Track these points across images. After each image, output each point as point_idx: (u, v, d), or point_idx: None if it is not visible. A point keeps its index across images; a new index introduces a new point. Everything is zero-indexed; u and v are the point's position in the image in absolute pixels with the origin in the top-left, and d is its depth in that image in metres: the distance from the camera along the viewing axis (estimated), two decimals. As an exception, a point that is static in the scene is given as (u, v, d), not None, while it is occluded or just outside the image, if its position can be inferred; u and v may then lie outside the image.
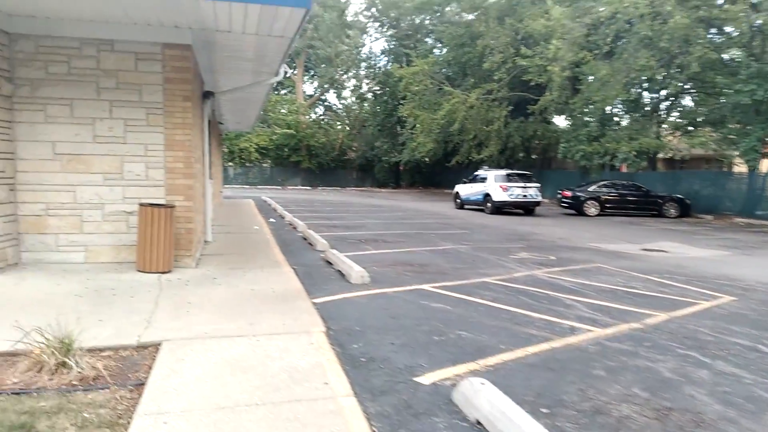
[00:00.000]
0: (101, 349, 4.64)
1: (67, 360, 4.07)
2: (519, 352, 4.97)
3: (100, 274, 7.27)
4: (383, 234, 14.13)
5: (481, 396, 3.61)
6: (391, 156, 46.78)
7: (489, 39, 31.34)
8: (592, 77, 25.18)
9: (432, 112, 34.22)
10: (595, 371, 4.60)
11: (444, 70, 38.86)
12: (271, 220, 16.58)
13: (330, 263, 8.96)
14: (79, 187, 7.60)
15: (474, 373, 4.38)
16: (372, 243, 12.15)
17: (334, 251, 9.29)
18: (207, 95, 10.79)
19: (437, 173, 50.01)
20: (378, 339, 5.17)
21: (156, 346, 4.75)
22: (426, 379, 4.25)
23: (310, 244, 11.41)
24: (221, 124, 21.91)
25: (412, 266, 9.26)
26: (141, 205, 7.38)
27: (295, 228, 14.35)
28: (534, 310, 6.58)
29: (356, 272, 7.61)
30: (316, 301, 6.46)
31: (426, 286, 7.60)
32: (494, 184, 23.40)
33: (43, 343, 4.13)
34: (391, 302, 6.62)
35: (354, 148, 53.42)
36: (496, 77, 31.51)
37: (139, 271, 7.45)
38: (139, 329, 5.10)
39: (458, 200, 26.37)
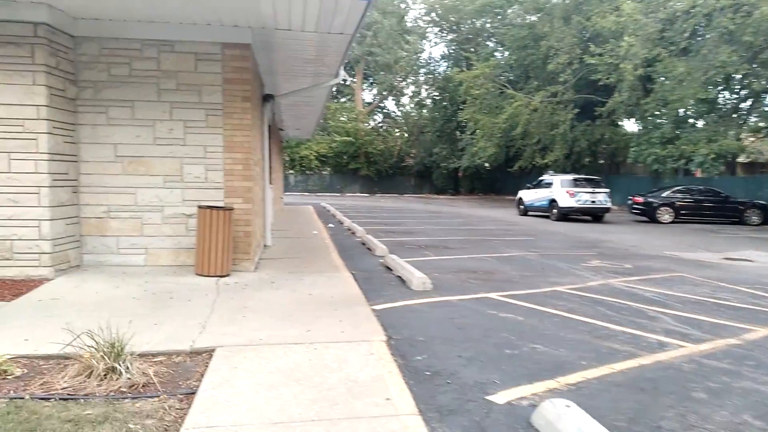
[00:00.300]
0: (154, 354, 4.44)
1: (116, 365, 3.86)
2: (603, 370, 4.43)
3: (158, 277, 7.18)
4: (444, 240, 13.67)
5: (566, 420, 3.13)
6: (450, 162, 46.09)
7: (553, 40, 30.31)
8: (667, 76, 23.79)
9: (493, 116, 33.43)
10: (695, 393, 4.01)
11: (506, 73, 37.95)
12: (330, 225, 16.42)
13: (389, 269, 8.60)
14: (139, 190, 7.57)
15: (554, 392, 3.88)
16: (433, 249, 11.72)
17: (394, 256, 8.93)
18: (267, 98, 10.69)
19: (498, 179, 48.95)
20: (443, 351, 4.74)
21: (209, 352, 4.51)
22: (500, 397, 3.79)
23: (369, 249, 11.10)
24: (282, 130, 22.06)
25: (477, 273, 8.77)
26: (200, 207, 7.26)
27: (353, 233, 14.10)
28: (614, 322, 5.98)
29: (417, 278, 7.21)
30: (376, 307, 6.09)
31: (493, 295, 7.10)
32: (560, 189, 22.51)
33: (93, 347, 3.94)
34: (456, 311, 6.17)
35: (412, 155, 53.08)
36: (561, 79, 30.43)
37: (198, 274, 7.32)
38: (193, 334, 4.89)
39: (522, 206, 25.53)
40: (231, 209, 7.43)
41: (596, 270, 9.59)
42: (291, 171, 48.78)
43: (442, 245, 12.48)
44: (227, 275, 7.41)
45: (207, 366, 4.20)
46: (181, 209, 7.69)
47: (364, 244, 11.84)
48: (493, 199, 42.03)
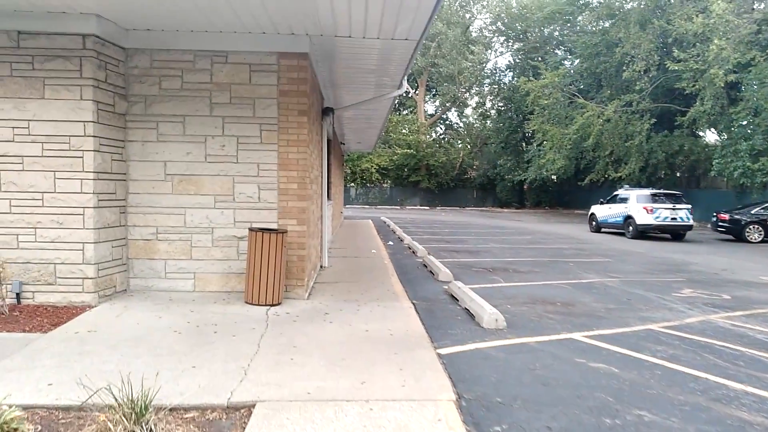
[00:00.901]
0: (185, 409, 3.83)
1: (136, 430, 3.25)
2: (738, 457, 3.46)
3: (205, 305, 6.66)
4: (513, 261, 12.67)
5: None
6: (515, 174, 44.63)
7: (629, 46, 28.66)
8: (762, 82, 21.76)
9: (563, 126, 31.98)
10: None
11: (576, 82, 36.32)
12: (390, 243, 15.72)
13: (455, 298, 7.77)
14: (189, 210, 7.11)
15: (681, 494, 2.97)
16: (501, 273, 10.78)
17: (460, 284, 8.09)
18: (326, 111, 10.14)
19: (566, 192, 47.07)
20: (528, 419, 3.88)
21: (249, 408, 3.86)
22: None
23: (431, 272, 10.29)
24: (343, 144, 21.65)
25: (554, 305, 7.81)
26: (250, 230, 6.70)
27: (414, 253, 13.33)
28: (732, 377, 4.93)
29: (489, 315, 6.35)
30: (442, 351, 5.29)
31: (577, 336, 6.15)
32: (637, 205, 21.01)
33: (112, 407, 3.35)
34: (537, 359, 5.28)
35: (475, 167, 51.94)
36: (637, 87, 28.70)
37: (247, 303, 6.75)
38: (233, 382, 4.25)
39: (594, 222, 24.06)
40: (284, 232, 6.83)
41: (691, 302, 8.41)
42: (352, 184, 48.71)
43: (511, 268, 11.51)
44: (278, 304, 6.81)
45: (244, 429, 3.54)
46: (232, 231, 7.17)
47: (425, 266, 11.05)
48: (561, 214, 40.24)
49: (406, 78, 9.89)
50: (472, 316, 6.76)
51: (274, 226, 7.17)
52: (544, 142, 34.27)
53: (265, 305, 6.70)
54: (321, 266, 10.21)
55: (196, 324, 5.84)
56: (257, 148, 7.12)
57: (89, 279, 6.43)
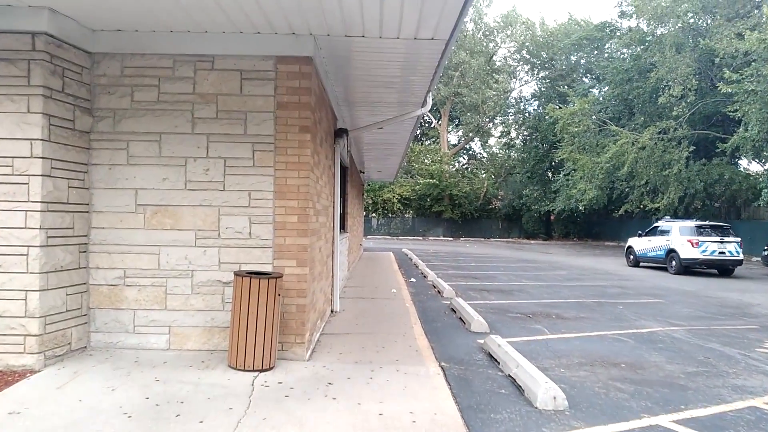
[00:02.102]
0: None
1: None
2: None
3: (178, 370, 5.24)
4: (553, 304, 11.07)
5: None
6: (542, 204, 42.94)
7: (664, 70, 27.14)
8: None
9: (595, 155, 30.35)
10: None
11: (606, 110, 34.76)
12: (412, 279, 14.22)
13: (494, 359, 6.24)
14: (164, 249, 5.78)
15: None
16: (544, 319, 9.20)
17: (498, 340, 6.56)
18: (340, 133, 8.84)
19: (595, 223, 45.12)
20: None
21: None
22: None
23: (461, 320, 8.77)
24: (362, 172, 20.39)
25: (619, 368, 6.23)
26: (236, 274, 5.32)
27: (439, 293, 11.81)
28: None
29: (544, 390, 4.81)
30: (487, 453, 3.79)
31: (665, 420, 4.58)
32: (681, 237, 19.40)
33: None
34: (621, 467, 3.74)
35: (500, 197, 50.39)
36: (673, 113, 27.06)
37: (231, 367, 5.33)
38: None
39: (631, 256, 22.35)
40: (279, 277, 5.44)
41: (787, 364, 6.76)
42: (373, 214, 47.51)
43: (554, 312, 9.92)
44: (270, 368, 5.37)
45: None
46: (217, 275, 5.80)
47: (453, 311, 9.52)
48: (591, 246, 38.25)
49: (431, 94, 8.57)
50: (519, 388, 5.23)
51: (268, 268, 5.78)
52: (573, 171, 32.63)
53: (253, 371, 5.27)
54: (332, 311, 8.77)
55: (156, 401, 4.42)
56: (249, 173, 5.79)
57: (32, 336, 5.09)
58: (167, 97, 5.80)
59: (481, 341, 7.09)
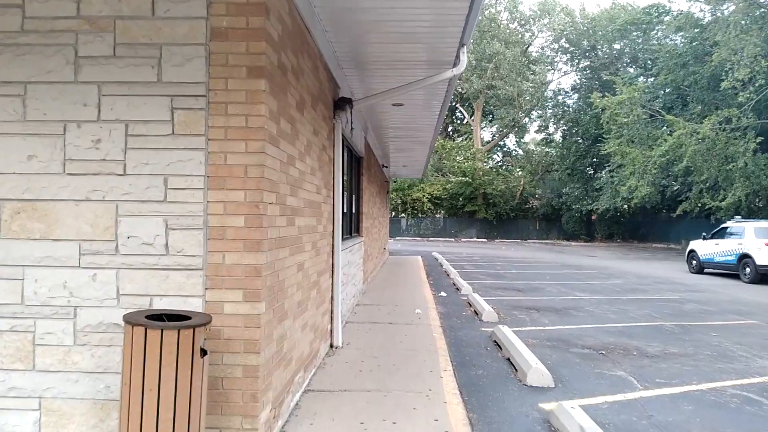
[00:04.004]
0: None
1: None
2: None
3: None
4: (625, 329, 8.51)
5: None
6: (584, 204, 39.86)
7: (727, 52, 24.00)
8: None
9: (646, 148, 27.32)
10: None
11: (656, 99, 31.57)
12: (442, 294, 11.76)
13: (573, 448, 3.81)
14: (30, 271, 3.51)
15: None
16: (623, 359, 6.68)
17: (581, 418, 4.10)
18: (341, 104, 6.51)
19: (641, 223, 41.76)
20: None
21: None
22: None
23: (509, 362, 6.31)
24: (386, 167, 18.03)
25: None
26: (128, 321, 3.03)
27: (477, 314, 9.34)
28: None
29: None
30: None
31: None
32: (757, 240, 16.72)
33: None
34: None
35: (537, 196, 47.35)
36: (740, 98, 23.86)
37: (116, 481, 3.04)
38: None
39: (694, 261, 19.52)
40: (204, 323, 3.12)
41: None
42: (402, 214, 45.11)
43: (631, 345, 7.40)
44: (189, 482, 3.06)
45: None
46: (113, 314, 3.50)
47: (498, 346, 7.08)
48: (638, 248, 35.00)
49: (465, 49, 6.16)
50: None
51: (196, 304, 3.46)
52: (621, 166, 29.63)
53: (154, 491, 2.96)
54: (331, 345, 6.44)
55: None
56: (165, 145, 3.49)
57: None
58: (36, 24, 3.53)
59: (546, 406, 4.65)
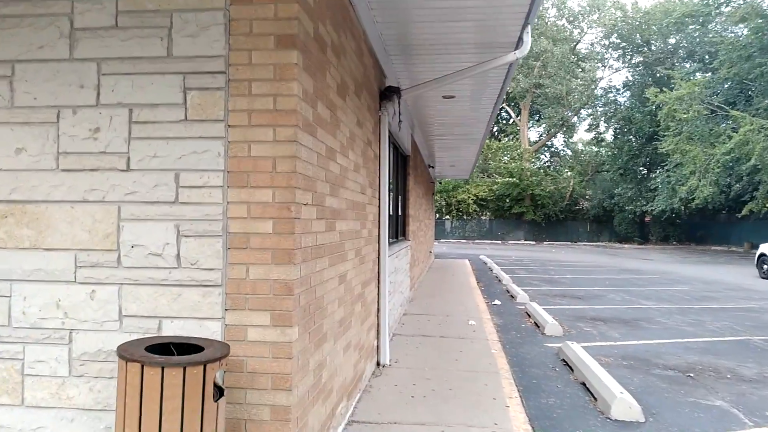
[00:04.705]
0: None
1: None
2: None
3: None
4: (708, 346, 7.49)
5: None
6: (637, 205, 38.05)
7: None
8: None
9: (708, 145, 25.67)
10: None
11: (718, 93, 29.72)
12: (496, 302, 10.90)
13: None
14: (17, 286, 2.93)
15: None
16: (717, 383, 5.72)
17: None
18: (388, 94, 5.82)
19: (699, 225, 39.53)
20: None
21: None
22: None
23: (583, 386, 5.46)
24: (431, 167, 17.25)
25: None
26: (122, 357, 2.38)
27: (539, 327, 8.47)
28: None
29: None
30: None
31: None
32: None
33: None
34: None
35: (587, 197, 45.59)
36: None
37: None
38: None
39: (765, 265, 17.98)
40: (221, 357, 2.45)
41: None
42: (447, 216, 44.16)
43: (722, 367, 6.40)
44: None
45: None
46: (114, 339, 2.87)
47: (569, 366, 6.22)
48: (697, 251, 32.98)
49: (529, 28, 5.37)
50: None
51: (214, 329, 2.80)
52: (679, 165, 27.97)
53: None
54: (378, 363, 5.73)
55: None
56: (176, 134, 2.84)
57: None
58: (24, -10, 2.96)
59: (639, 450, 3.80)
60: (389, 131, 6.37)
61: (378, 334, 5.70)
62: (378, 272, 5.74)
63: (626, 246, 39.30)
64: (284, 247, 2.79)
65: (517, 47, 5.65)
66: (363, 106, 4.86)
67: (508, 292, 12.37)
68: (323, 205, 3.41)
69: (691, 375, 6.02)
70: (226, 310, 2.82)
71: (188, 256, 2.82)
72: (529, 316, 9.23)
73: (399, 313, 8.12)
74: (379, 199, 5.79)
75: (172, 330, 2.83)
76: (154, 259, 2.85)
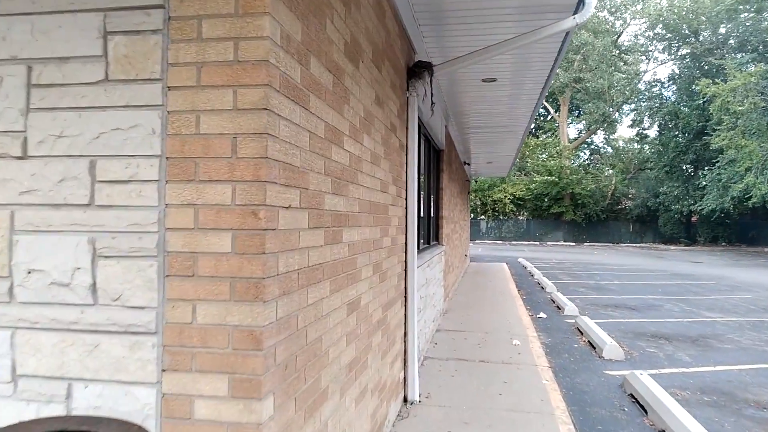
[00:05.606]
0: None
1: None
2: None
3: None
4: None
5: None
6: (684, 204, 36.07)
7: None
8: None
9: (766, 140, 23.82)
10: None
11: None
12: (541, 315, 9.73)
13: None
14: None
15: None
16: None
17: None
18: (418, 71, 4.78)
19: (751, 225, 37.23)
20: None
21: None
22: None
23: None
24: (467, 164, 16.13)
25: None
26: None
27: (594, 348, 7.30)
28: None
29: None
30: None
31: None
32: None
33: None
34: None
35: (630, 196, 43.61)
36: None
37: None
38: None
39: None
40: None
41: None
42: (482, 216, 42.79)
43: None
44: None
45: None
46: (6, 410, 1.93)
47: (636, 401, 5.09)
48: (749, 254, 30.86)
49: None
50: None
51: (144, 398, 1.82)
52: (732, 162, 26.11)
53: None
54: (405, 400, 4.71)
55: None
56: (92, 101, 1.89)
57: None
58: None
59: None
60: (419, 117, 5.35)
61: (405, 364, 4.67)
62: (405, 288, 4.72)
63: (672, 248, 37.31)
64: (249, 275, 1.79)
65: (577, 10, 4.55)
66: (385, 81, 3.84)
67: (554, 301, 11.17)
68: (321, 207, 2.40)
69: (796, 418, 4.82)
70: (163, 370, 1.84)
71: (108, 287, 1.85)
72: (582, 333, 8.06)
73: (431, 329, 7.08)
74: (406, 199, 4.77)
75: (86, 399, 1.86)
76: (59, 291, 1.89)
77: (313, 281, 2.30)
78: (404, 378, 4.71)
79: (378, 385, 3.65)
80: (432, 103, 5.18)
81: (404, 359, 4.67)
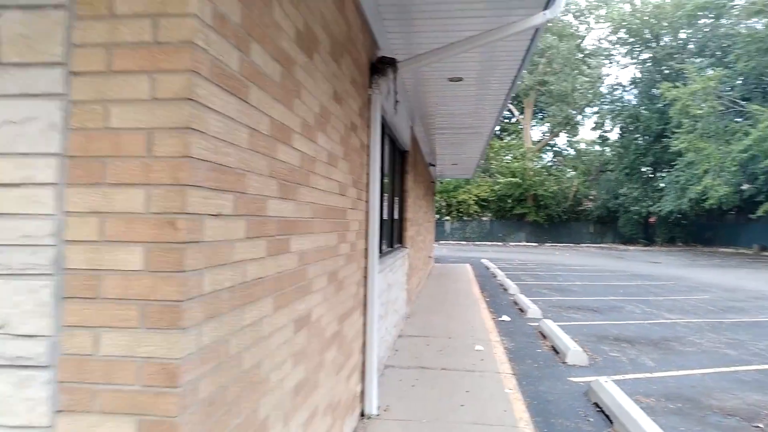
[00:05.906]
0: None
1: None
2: None
3: None
4: (765, 377, 6.25)
5: None
6: (643, 205, 36.86)
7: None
8: None
9: (723, 143, 24.41)
10: None
11: (734, 89, 28.44)
12: (504, 318, 9.60)
13: None
14: None
15: None
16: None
17: None
18: (381, 67, 4.53)
19: (706, 226, 38.32)
20: None
21: None
22: None
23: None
24: (432, 166, 15.95)
25: None
26: None
27: (557, 353, 7.19)
28: None
29: None
30: None
31: None
32: None
33: None
34: None
35: (591, 197, 44.39)
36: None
37: None
38: None
39: (789, 274, 16.81)
40: None
41: None
42: (447, 217, 42.87)
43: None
44: None
45: None
46: None
47: (602, 410, 4.95)
48: (705, 254, 31.70)
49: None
50: None
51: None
52: (690, 164, 26.71)
53: None
54: (362, 414, 4.45)
55: None
56: (-23, 88, 1.56)
57: None
58: None
59: None
60: (382, 116, 5.09)
61: (363, 376, 4.41)
62: (365, 296, 4.46)
63: (631, 248, 38.09)
64: (163, 298, 1.50)
65: (547, 6, 4.36)
66: (345, 76, 3.57)
67: (516, 304, 11.08)
68: (263, 214, 2.11)
69: (762, 427, 4.75)
70: (57, 411, 1.53)
71: (-6, 310, 1.53)
72: (545, 337, 7.94)
73: (393, 336, 6.84)
74: (367, 202, 4.51)
75: (-34, 445, 1.54)
76: (-67, 314, 1.55)
77: (251, 299, 2.01)
78: (362, 391, 4.45)
79: (331, 404, 3.37)
80: (396, 101, 4.94)
81: (362, 371, 4.41)
